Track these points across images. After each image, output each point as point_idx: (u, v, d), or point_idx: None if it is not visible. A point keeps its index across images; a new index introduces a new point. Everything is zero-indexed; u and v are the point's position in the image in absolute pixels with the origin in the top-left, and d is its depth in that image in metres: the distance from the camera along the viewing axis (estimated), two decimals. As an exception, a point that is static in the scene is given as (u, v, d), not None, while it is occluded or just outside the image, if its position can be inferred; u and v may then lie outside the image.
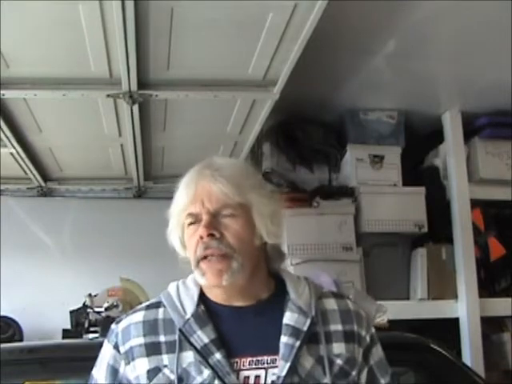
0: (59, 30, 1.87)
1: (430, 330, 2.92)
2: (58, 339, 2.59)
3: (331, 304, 1.29)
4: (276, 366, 1.19)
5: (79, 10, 1.74)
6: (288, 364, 1.18)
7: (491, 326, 3.45)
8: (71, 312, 2.74)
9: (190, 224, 1.24)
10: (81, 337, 2.47)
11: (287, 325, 1.22)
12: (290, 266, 3.19)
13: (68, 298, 2.85)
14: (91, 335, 2.38)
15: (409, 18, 2.45)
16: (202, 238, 1.21)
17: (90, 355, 1.33)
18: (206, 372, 1.17)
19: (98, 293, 2.87)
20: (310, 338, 1.21)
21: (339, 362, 1.22)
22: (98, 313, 2.62)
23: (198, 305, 1.24)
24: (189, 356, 1.19)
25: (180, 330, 1.21)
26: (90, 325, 2.54)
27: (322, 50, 2.44)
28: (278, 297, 1.27)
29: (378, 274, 3.32)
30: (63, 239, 3.60)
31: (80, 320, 2.64)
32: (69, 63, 2.08)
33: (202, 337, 1.20)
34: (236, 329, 1.23)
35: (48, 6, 1.74)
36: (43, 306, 3.36)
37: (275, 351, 1.20)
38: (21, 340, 3.05)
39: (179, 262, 1.29)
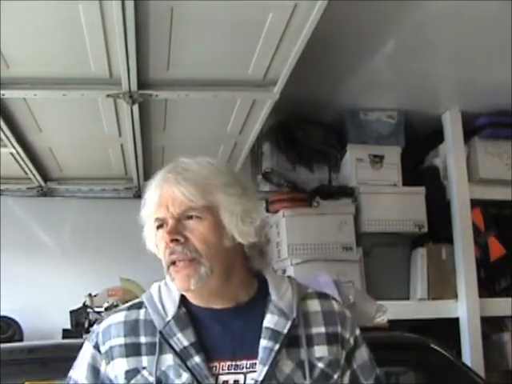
0: (59, 30, 1.87)
1: (430, 330, 2.92)
2: (58, 339, 2.59)
3: (315, 305, 1.27)
4: (255, 371, 1.17)
5: (79, 10, 1.74)
6: (266, 368, 1.16)
7: (491, 326, 3.45)
8: (71, 312, 2.74)
9: (159, 228, 1.23)
10: (81, 337, 2.46)
11: (267, 328, 1.20)
12: (290, 266, 3.20)
13: (68, 298, 2.85)
14: (91, 335, 2.37)
15: (409, 18, 2.45)
16: (167, 243, 1.20)
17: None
18: (185, 375, 1.16)
19: (97, 293, 2.87)
20: (290, 342, 1.19)
21: (320, 365, 1.21)
22: (98, 313, 2.62)
23: (179, 307, 1.23)
24: (168, 359, 1.19)
25: (160, 332, 1.20)
26: (90, 325, 2.54)
27: (321, 50, 2.44)
28: (260, 298, 1.25)
29: (378, 274, 3.32)
30: (63, 239, 3.60)
31: (80, 320, 2.64)
32: (69, 63, 2.08)
33: (181, 339, 1.19)
34: (216, 332, 1.22)
35: (48, 6, 1.73)
36: (43, 306, 3.35)
37: (255, 355, 1.18)
38: (21, 340, 3.05)
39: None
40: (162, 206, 1.21)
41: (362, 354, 1.29)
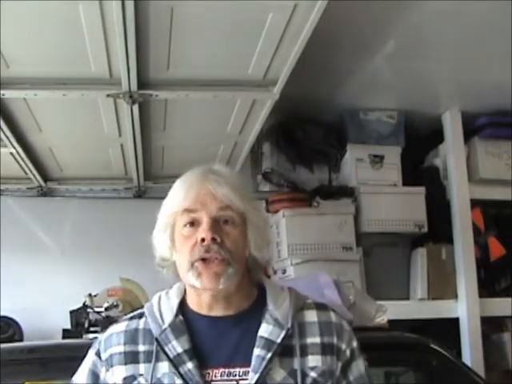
0: (59, 29, 1.87)
1: (429, 330, 2.92)
2: (58, 339, 2.59)
3: (312, 316, 1.27)
4: (248, 379, 1.19)
5: (79, 10, 1.74)
6: (257, 376, 1.17)
7: (491, 325, 3.45)
8: (71, 312, 2.74)
9: (187, 225, 1.23)
10: (81, 337, 2.47)
11: (261, 337, 1.21)
12: (290, 266, 3.20)
13: (68, 298, 2.85)
14: (91, 335, 2.38)
15: (409, 18, 2.45)
16: (203, 240, 1.20)
17: (89, 355, 1.33)
18: (178, 382, 1.18)
19: (98, 293, 2.86)
20: (283, 351, 1.20)
21: (313, 374, 1.21)
22: (98, 313, 2.62)
23: (176, 315, 1.25)
24: (164, 366, 1.21)
25: (156, 340, 1.22)
26: (90, 325, 2.54)
27: (322, 50, 2.44)
28: (258, 307, 1.27)
29: (378, 274, 3.32)
30: (63, 239, 3.60)
31: (80, 320, 2.63)
32: (69, 63, 2.08)
33: (176, 346, 1.21)
34: (212, 340, 1.23)
35: (48, 6, 1.73)
36: (43, 306, 3.35)
37: (248, 363, 1.19)
38: (21, 340, 3.05)
39: (156, 265, 1.30)
40: (197, 204, 1.23)
41: (359, 366, 1.28)
